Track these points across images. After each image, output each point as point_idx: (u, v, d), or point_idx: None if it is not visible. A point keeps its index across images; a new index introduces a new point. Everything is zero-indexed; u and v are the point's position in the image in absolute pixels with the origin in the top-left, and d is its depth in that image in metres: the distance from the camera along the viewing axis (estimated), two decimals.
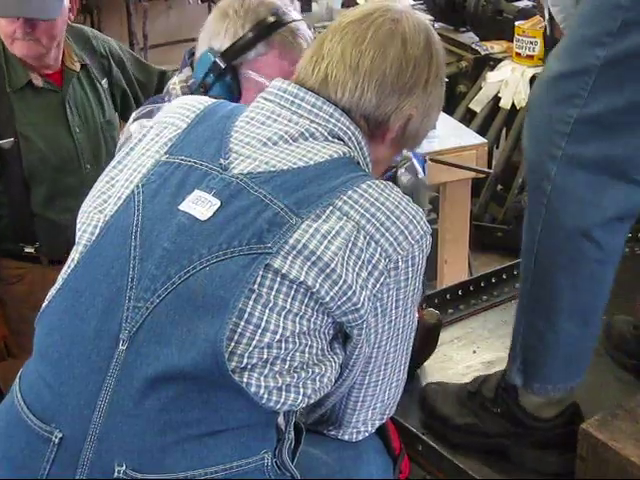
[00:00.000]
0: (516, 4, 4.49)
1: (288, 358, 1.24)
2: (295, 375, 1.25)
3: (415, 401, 1.80)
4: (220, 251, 1.22)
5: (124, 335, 1.22)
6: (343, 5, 3.47)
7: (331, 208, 1.25)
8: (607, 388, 1.85)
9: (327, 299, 1.24)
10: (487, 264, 3.28)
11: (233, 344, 1.20)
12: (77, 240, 1.34)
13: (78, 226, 1.35)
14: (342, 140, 1.34)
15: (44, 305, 1.33)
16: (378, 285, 1.27)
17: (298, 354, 1.25)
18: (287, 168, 1.28)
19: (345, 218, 1.25)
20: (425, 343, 1.85)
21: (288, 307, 1.23)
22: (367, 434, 1.47)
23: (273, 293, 1.22)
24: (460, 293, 2.30)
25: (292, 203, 1.25)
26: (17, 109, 2.50)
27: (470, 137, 3.07)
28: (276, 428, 1.30)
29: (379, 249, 1.26)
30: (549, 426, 1.62)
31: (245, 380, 1.21)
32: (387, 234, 1.26)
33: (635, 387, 1.82)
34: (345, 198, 1.26)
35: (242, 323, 1.21)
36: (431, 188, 2.10)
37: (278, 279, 1.22)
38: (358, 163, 1.35)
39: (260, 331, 1.21)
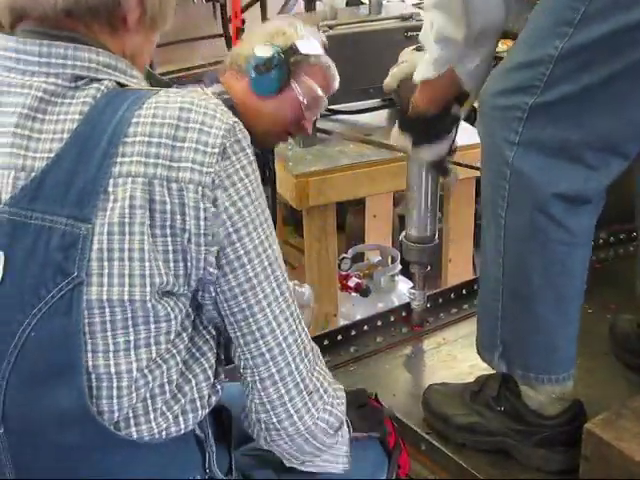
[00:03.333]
0: None
1: (165, 381, 1.11)
2: (181, 397, 1.13)
3: (419, 400, 1.80)
4: (34, 308, 1.05)
5: None
6: (347, 4, 3.46)
7: (112, 181, 1.04)
8: (611, 387, 1.84)
9: (169, 287, 1.07)
10: None
11: (95, 401, 1.07)
12: None
13: None
14: (91, 78, 1.09)
15: None
16: (205, 222, 1.06)
17: (173, 370, 1.12)
18: (46, 164, 1.06)
19: (131, 180, 1.03)
20: None
21: (132, 338, 1.07)
22: (320, 424, 1.22)
23: (109, 331, 1.06)
24: (464, 292, 2.31)
25: (73, 207, 1.04)
26: None
27: (475, 136, 3.04)
28: (197, 442, 1.20)
29: (182, 185, 1.04)
30: (553, 423, 1.62)
31: (135, 434, 1.10)
32: (182, 164, 1.05)
33: None
34: (120, 159, 1.04)
35: (93, 377, 1.06)
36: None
37: (107, 309, 1.05)
38: (120, 84, 1.11)
39: (115, 378, 1.07)
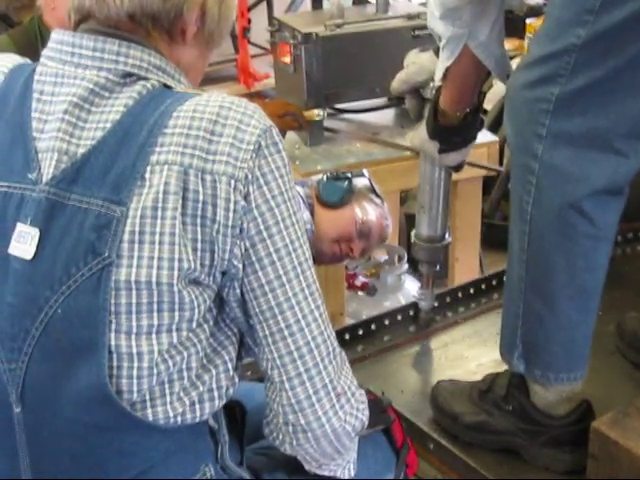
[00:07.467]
0: (526, 2, 4.47)
1: (184, 367, 1.13)
2: (199, 385, 1.15)
3: (426, 399, 1.80)
4: (63, 286, 1.08)
5: (13, 398, 1.13)
6: (354, 3, 3.46)
7: (149, 168, 1.08)
8: (619, 386, 1.84)
9: (195, 275, 1.09)
10: (498, 262, 3.25)
11: (115, 381, 1.09)
12: None
13: None
14: (139, 76, 1.15)
15: None
16: (234, 215, 1.10)
17: (193, 358, 1.14)
18: (88, 150, 1.11)
19: (167, 168, 1.07)
20: None
21: (155, 322, 1.09)
22: (348, 429, 1.23)
23: (134, 313, 1.08)
24: (472, 291, 2.31)
25: (109, 191, 1.08)
26: None
27: (481, 135, 3.04)
28: (210, 432, 1.23)
29: (216, 177, 1.08)
30: (561, 423, 1.62)
31: (150, 416, 1.12)
32: (217, 157, 1.09)
33: None
34: (158, 148, 1.08)
35: (114, 356, 1.09)
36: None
37: (134, 291, 1.07)
38: (167, 86, 1.17)
39: (136, 358, 1.09)
